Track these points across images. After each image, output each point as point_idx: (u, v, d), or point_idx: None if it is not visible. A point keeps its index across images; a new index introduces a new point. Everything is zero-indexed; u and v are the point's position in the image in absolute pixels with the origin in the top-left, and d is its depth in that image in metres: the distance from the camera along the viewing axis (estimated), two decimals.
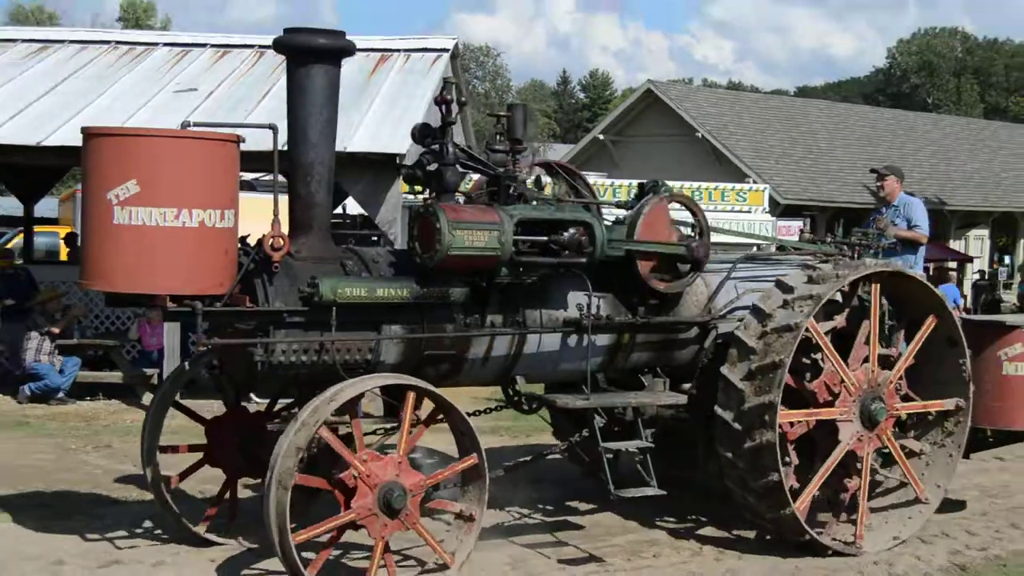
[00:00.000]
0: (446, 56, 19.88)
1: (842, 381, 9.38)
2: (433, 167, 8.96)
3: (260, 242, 7.98)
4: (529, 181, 9.76)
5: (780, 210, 31.76)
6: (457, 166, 8.92)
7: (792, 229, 32.18)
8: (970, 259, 40.19)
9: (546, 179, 10.11)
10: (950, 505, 11.04)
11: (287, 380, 8.49)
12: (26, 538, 9.69)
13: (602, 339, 9.45)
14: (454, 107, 8.93)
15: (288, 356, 8.16)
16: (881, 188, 13.27)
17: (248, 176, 18.99)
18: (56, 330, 16.93)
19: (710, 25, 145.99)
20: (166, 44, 21.05)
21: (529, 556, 9.48)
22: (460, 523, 8.45)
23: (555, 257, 8.82)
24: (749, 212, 26.55)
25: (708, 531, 10.15)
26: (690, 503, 10.69)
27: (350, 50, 8.73)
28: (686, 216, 9.89)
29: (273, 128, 8.16)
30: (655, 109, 40.81)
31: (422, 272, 8.43)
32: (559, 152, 55.81)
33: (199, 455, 9.58)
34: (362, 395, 8.15)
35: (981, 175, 43.97)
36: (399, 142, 16.04)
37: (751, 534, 9.94)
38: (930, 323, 9.67)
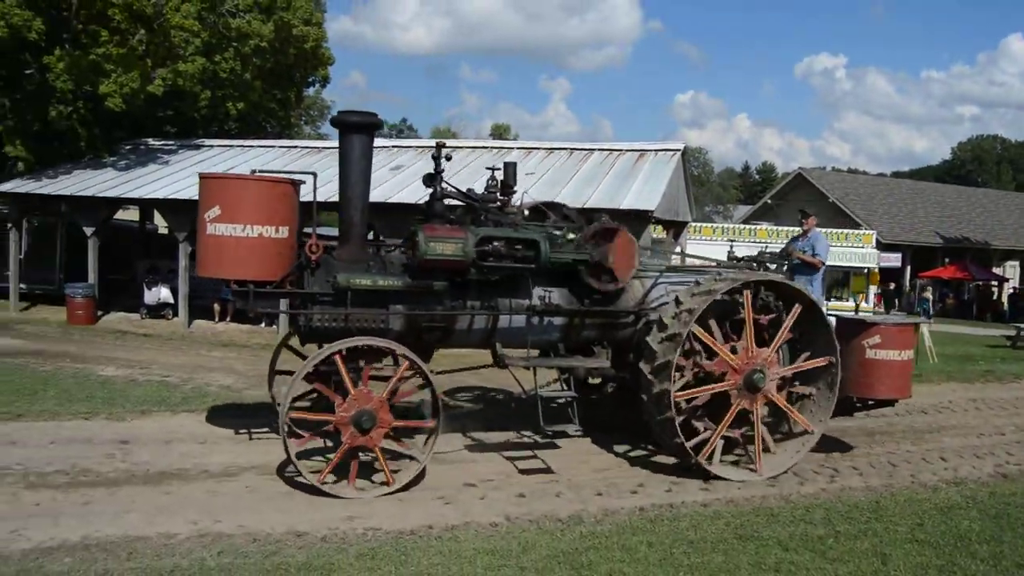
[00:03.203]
0: (678, 154, 19.70)
1: (728, 364, 8.38)
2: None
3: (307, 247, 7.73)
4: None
5: (882, 247, 30.10)
6: (444, 200, 8.38)
7: (890, 259, 30.53)
8: (1007, 280, 37.62)
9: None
10: (839, 446, 10.05)
11: (324, 338, 7.92)
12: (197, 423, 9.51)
13: (557, 320, 8.65)
14: (443, 162, 8.40)
15: (322, 322, 7.80)
16: (805, 223, 11.71)
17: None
18: None
19: (836, 133, 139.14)
20: (518, 148, 21.33)
21: (505, 464, 8.77)
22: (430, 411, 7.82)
23: (510, 262, 8.16)
24: (863, 248, 25.30)
25: (658, 458, 9.05)
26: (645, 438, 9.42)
27: (378, 125, 8.24)
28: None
29: (314, 175, 7.89)
30: (803, 185, 40.53)
31: (414, 270, 7.97)
32: (741, 211, 54.00)
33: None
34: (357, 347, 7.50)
35: (1014, 226, 41.38)
36: (650, 202, 16.08)
37: None
38: (796, 310, 8.56)
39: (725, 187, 77.32)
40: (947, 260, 37.55)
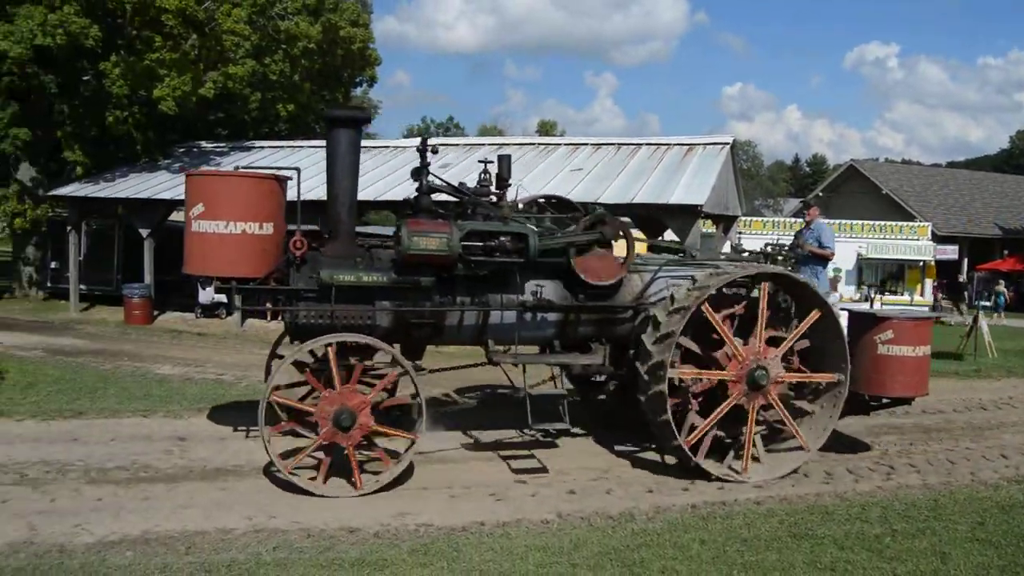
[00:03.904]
0: (727, 147, 19.46)
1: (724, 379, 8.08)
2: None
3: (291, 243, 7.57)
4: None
5: (938, 239, 29.44)
6: (429, 195, 8.13)
7: (946, 252, 29.89)
8: None
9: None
10: (861, 446, 9.66)
11: (311, 335, 7.64)
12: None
13: (551, 316, 8.34)
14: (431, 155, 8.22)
15: (308, 319, 7.66)
16: (808, 214, 11.49)
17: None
18: None
19: (888, 124, 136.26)
20: (565, 144, 21.21)
21: (497, 462, 8.58)
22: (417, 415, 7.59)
23: (498, 257, 7.87)
24: (918, 240, 24.77)
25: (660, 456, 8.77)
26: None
27: (366, 119, 7.96)
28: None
29: (297, 170, 7.75)
30: (855, 177, 39.75)
31: (400, 266, 7.74)
32: (792, 204, 53.16)
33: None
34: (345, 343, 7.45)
35: None
36: (699, 196, 15.86)
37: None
38: (764, 287, 8.09)
39: (775, 180, 76.39)
40: (1006, 252, 36.63)
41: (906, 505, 7.46)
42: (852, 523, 6.95)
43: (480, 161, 8.94)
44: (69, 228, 21.24)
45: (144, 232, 19.95)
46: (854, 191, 39.82)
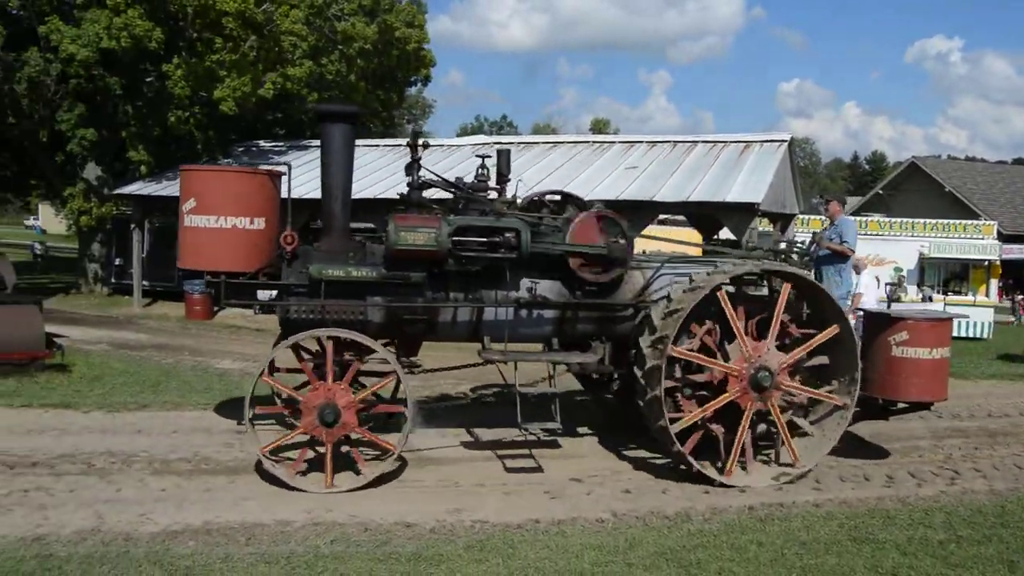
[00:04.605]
0: (784, 144, 19.13)
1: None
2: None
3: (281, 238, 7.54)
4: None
5: (1004, 239, 28.59)
6: (420, 190, 8.04)
7: (1012, 251, 29.05)
8: None
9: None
10: (878, 452, 9.22)
11: (304, 329, 7.66)
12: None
13: (548, 313, 8.14)
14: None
15: (298, 314, 7.67)
16: (826, 210, 11.08)
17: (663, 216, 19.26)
18: None
19: (951, 120, 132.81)
20: (620, 142, 21.07)
21: (492, 462, 8.42)
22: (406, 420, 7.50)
23: (490, 252, 7.69)
24: (983, 239, 24.09)
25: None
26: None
27: (357, 114, 7.98)
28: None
29: (288, 166, 7.76)
30: (917, 174, 38.75)
31: (389, 261, 7.63)
32: (851, 203, 52.09)
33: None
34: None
35: None
36: (756, 194, 15.63)
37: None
38: (722, 293, 7.71)
39: (833, 178, 75.25)
40: None
41: (971, 511, 7.27)
42: (915, 528, 6.80)
43: (478, 156, 8.83)
44: (133, 226, 21.78)
45: None
46: (915, 189, 39.00)
